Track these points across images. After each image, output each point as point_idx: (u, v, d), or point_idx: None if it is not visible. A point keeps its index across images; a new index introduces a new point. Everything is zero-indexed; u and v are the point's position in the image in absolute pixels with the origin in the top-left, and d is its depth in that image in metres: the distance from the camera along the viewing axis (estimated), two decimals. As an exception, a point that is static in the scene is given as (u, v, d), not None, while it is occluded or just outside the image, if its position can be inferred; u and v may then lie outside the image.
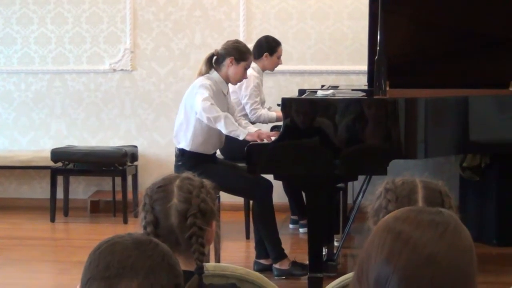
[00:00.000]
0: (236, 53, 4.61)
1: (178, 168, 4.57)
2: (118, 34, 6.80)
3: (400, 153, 4.04)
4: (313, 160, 3.97)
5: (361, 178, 4.70)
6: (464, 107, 4.23)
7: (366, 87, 5.04)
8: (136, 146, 6.62)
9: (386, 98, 4.08)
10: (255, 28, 6.64)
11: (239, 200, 5.49)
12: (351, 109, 4.02)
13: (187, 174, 1.99)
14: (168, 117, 6.72)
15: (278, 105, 4.84)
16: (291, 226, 5.98)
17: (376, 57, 4.10)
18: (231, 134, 4.37)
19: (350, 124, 3.97)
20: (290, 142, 4.01)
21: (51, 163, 6.33)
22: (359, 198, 5.09)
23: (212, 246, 2.03)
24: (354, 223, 4.92)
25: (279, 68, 5.88)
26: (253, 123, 5.27)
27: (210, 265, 2.04)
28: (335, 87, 5.31)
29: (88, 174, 6.57)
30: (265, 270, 4.60)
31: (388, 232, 1.19)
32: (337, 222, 5.14)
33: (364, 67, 5.17)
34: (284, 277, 4.60)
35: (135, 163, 6.53)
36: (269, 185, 4.58)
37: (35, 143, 6.90)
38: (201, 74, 4.60)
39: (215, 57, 4.63)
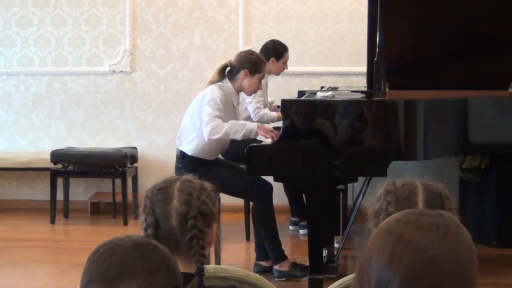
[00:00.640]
0: (250, 65, 4.59)
1: (178, 169, 4.57)
2: (117, 36, 6.80)
3: (399, 155, 4.05)
4: (313, 162, 3.97)
5: (361, 179, 4.69)
6: (463, 109, 4.23)
7: (365, 89, 5.03)
8: (135, 148, 6.62)
9: (385, 100, 4.08)
10: (255, 29, 6.63)
11: (239, 202, 5.49)
12: (350, 110, 4.02)
13: (188, 176, 1.99)
14: (167, 119, 6.72)
15: (278, 106, 4.84)
16: (291, 227, 5.97)
17: (376, 58, 4.10)
18: (246, 137, 4.39)
19: (349, 125, 3.98)
20: (289, 143, 4.01)
21: (50, 165, 6.32)
22: (359, 199, 5.09)
23: (212, 248, 2.03)
24: (354, 225, 4.92)
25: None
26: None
27: (211, 267, 2.04)
28: (335, 89, 5.31)
29: (88, 176, 6.56)
30: (265, 271, 4.60)
31: (389, 235, 1.19)
32: (337, 223, 5.14)
33: (364, 69, 5.16)
34: (284, 279, 4.60)
35: (135, 164, 6.52)
36: (269, 187, 4.58)
37: (34, 145, 6.89)
38: (212, 82, 4.59)
39: (228, 68, 4.63)
